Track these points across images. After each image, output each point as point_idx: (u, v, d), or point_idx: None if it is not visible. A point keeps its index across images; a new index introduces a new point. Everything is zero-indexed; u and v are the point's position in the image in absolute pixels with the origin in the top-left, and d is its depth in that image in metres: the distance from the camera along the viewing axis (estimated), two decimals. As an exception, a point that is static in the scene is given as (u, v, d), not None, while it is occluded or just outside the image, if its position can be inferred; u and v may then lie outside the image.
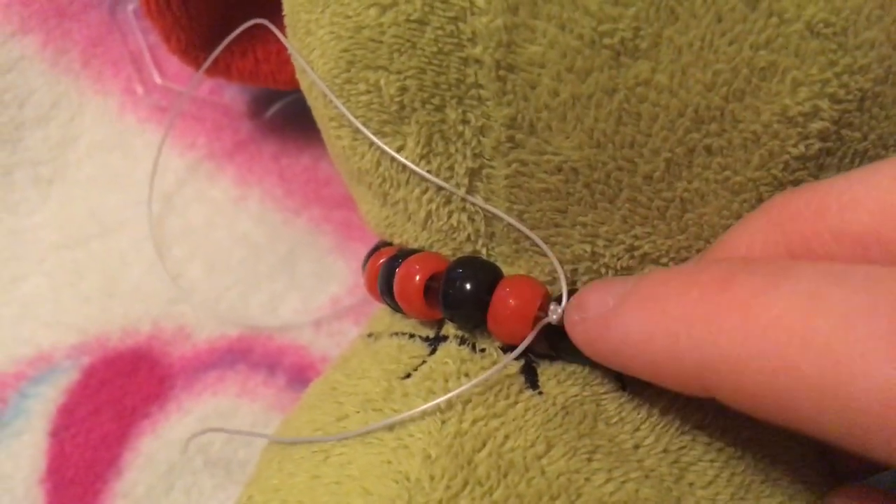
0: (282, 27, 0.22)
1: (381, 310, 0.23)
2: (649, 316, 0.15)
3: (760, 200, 0.18)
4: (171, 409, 0.31)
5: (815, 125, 0.17)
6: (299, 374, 0.33)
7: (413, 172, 0.19)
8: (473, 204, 0.19)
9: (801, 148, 0.17)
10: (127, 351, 0.32)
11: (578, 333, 0.18)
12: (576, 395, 0.19)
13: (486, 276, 0.19)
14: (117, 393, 0.31)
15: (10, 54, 0.32)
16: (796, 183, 0.18)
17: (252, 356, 0.33)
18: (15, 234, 0.32)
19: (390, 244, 0.22)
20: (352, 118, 0.19)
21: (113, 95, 0.33)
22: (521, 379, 0.19)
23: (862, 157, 0.18)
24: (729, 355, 0.14)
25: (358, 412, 0.20)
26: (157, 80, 0.33)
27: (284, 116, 0.35)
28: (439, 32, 0.17)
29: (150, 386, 0.32)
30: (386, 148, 0.19)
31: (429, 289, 0.20)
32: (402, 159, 0.19)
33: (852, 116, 0.17)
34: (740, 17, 0.16)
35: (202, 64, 0.28)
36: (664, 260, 0.19)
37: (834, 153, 0.18)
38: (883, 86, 0.17)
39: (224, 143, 0.34)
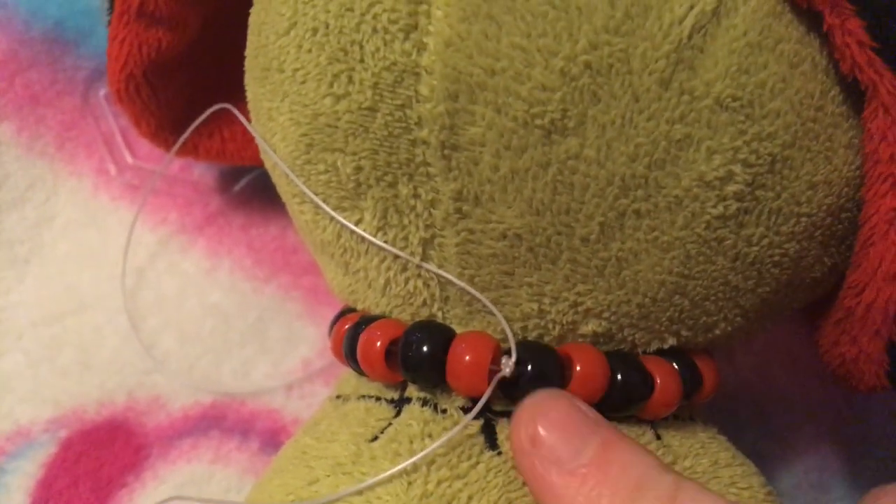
0: (245, 110, 0.24)
1: (348, 372, 0.24)
2: None
3: (689, 256, 0.20)
4: (147, 477, 0.32)
5: (731, 188, 0.19)
6: (272, 438, 0.34)
7: (371, 243, 0.20)
8: (427, 270, 0.20)
9: (721, 208, 0.19)
10: (103, 422, 0.32)
11: (522, 459, 0.19)
12: None
13: (441, 337, 0.20)
14: (94, 464, 0.32)
15: (-14, 140, 0.33)
16: (719, 241, 0.20)
17: (225, 422, 0.33)
18: (-7, 313, 0.33)
19: (354, 310, 0.24)
20: (313, 196, 0.21)
21: (87, 176, 0.35)
22: (482, 438, 0.20)
23: (777, 215, 0.20)
24: None
25: (328, 476, 0.20)
26: (129, 160, 0.35)
27: (252, 189, 0.36)
28: (389, 118, 0.19)
29: (127, 456, 0.32)
30: (344, 222, 0.20)
31: (389, 353, 0.21)
32: (361, 231, 0.20)
33: (765, 178, 0.19)
34: (655, 96, 0.18)
35: (171, 145, 0.30)
36: (606, 314, 0.20)
37: (751, 212, 0.20)
38: (791, 149, 0.19)
39: (194, 217, 0.36)
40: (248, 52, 0.23)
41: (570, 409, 0.19)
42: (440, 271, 0.20)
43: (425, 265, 0.20)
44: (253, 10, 0.23)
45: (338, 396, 0.24)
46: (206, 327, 0.34)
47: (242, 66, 0.24)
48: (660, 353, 0.22)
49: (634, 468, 0.18)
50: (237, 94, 0.25)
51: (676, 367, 0.22)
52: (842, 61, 0.19)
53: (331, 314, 0.33)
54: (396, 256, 0.20)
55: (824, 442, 0.33)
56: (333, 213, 0.20)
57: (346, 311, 0.24)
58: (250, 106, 0.23)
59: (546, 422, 0.19)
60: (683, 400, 0.22)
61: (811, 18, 0.19)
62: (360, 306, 0.23)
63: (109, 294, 0.34)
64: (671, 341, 0.21)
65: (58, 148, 0.35)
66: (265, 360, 0.34)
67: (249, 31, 0.23)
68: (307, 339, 0.35)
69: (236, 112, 0.24)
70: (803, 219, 0.20)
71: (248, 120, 0.24)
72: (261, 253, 0.36)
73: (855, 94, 0.20)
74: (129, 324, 0.33)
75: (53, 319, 0.33)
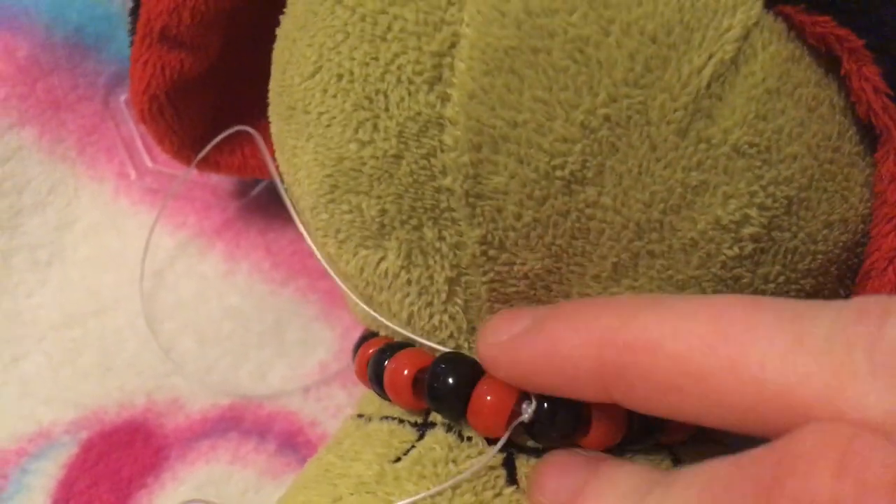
0: (266, 131, 0.24)
1: (371, 393, 0.25)
2: (574, 329, 0.18)
3: (704, 293, 0.20)
4: (166, 478, 0.33)
5: (747, 230, 0.19)
6: (289, 440, 0.34)
7: (394, 282, 0.21)
8: (452, 305, 0.21)
9: (736, 249, 0.20)
10: (123, 424, 0.33)
11: (490, 356, 0.20)
12: None
13: (468, 370, 0.21)
14: (115, 465, 0.32)
15: (8, 145, 0.34)
16: (735, 279, 0.20)
17: (243, 424, 0.34)
18: (15, 316, 0.34)
19: (377, 334, 0.24)
20: (315, 249, 0.21)
21: (107, 180, 0.35)
22: (504, 472, 0.21)
23: (794, 253, 0.20)
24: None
25: (352, 494, 0.21)
26: (149, 164, 0.35)
27: (269, 194, 0.36)
28: (413, 166, 0.19)
29: (146, 457, 0.33)
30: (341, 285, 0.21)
31: (416, 381, 0.21)
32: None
33: (781, 220, 0.20)
34: (672, 145, 0.18)
35: (192, 161, 0.30)
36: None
37: (767, 251, 0.20)
38: (808, 191, 0.20)
39: (213, 221, 0.36)
40: (272, 88, 0.23)
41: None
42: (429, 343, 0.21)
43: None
44: (277, 46, 0.23)
45: (360, 415, 0.24)
46: (224, 330, 0.35)
47: (262, 86, 0.24)
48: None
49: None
50: (257, 113, 0.26)
51: None
52: (858, 105, 0.19)
53: (348, 318, 0.34)
54: (420, 294, 0.21)
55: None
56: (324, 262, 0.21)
57: (368, 336, 0.24)
58: (274, 139, 0.24)
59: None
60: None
61: (830, 61, 0.19)
62: (383, 332, 0.24)
63: (129, 297, 0.34)
64: None
65: (79, 152, 0.35)
66: (282, 362, 0.35)
67: (274, 67, 0.23)
68: (324, 342, 0.35)
69: (257, 137, 0.24)
70: (819, 256, 0.21)
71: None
72: (278, 256, 0.36)
73: (872, 133, 0.20)
74: (148, 326, 0.34)
75: (74, 322, 0.34)
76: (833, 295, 0.22)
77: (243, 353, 0.35)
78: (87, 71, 0.35)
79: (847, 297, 0.22)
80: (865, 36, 0.18)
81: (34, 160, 0.34)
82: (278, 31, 0.23)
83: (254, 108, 0.28)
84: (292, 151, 0.22)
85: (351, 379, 0.35)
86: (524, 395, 0.20)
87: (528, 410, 0.20)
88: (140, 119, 0.28)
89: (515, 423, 0.20)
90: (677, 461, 0.22)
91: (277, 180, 0.24)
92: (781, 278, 0.20)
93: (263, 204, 0.37)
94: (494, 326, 0.20)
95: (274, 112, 0.23)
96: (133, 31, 0.26)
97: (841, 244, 0.21)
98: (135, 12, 0.26)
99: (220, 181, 0.36)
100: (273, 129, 0.23)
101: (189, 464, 0.33)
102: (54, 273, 0.35)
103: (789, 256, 0.20)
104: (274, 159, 0.24)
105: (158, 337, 0.34)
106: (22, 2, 0.34)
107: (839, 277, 0.22)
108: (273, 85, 0.23)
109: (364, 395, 0.26)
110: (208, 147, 0.28)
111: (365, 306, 0.22)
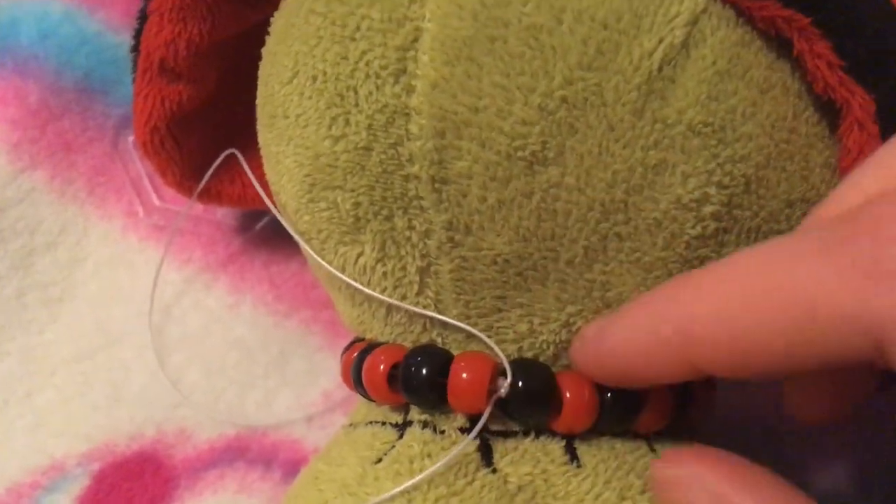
0: (259, 155, 0.26)
1: (360, 402, 0.26)
2: (639, 316, 0.19)
3: (670, 275, 0.21)
4: (175, 508, 0.33)
5: (708, 209, 0.20)
6: (294, 468, 0.34)
7: (371, 276, 0.22)
8: (424, 298, 0.22)
9: (699, 229, 0.20)
10: (133, 455, 0.33)
11: (579, 357, 0.21)
12: (527, 473, 0.21)
13: (440, 360, 0.21)
14: (125, 496, 0.33)
15: (21, 187, 0.35)
16: (701, 259, 0.21)
17: (249, 453, 0.34)
18: (28, 352, 0.35)
19: (362, 340, 0.25)
20: (301, 241, 0.22)
21: (116, 218, 0.37)
22: (478, 457, 0.21)
23: (756, 233, 0.21)
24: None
25: (336, 497, 0.22)
26: (156, 202, 0.37)
27: (272, 228, 0.37)
28: (383, 156, 0.20)
29: (156, 487, 0.33)
30: (329, 268, 0.22)
31: (392, 377, 0.22)
32: (343, 276, 0.22)
33: (741, 198, 0.20)
34: (629, 125, 0.19)
35: (195, 191, 0.31)
36: (597, 333, 0.21)
37: (730, 231, 0.21)
38: (765, 170, 0.20)
39: (218, 256, 0.37)
40: (258, 102, 0.24)
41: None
42: (416, 309, 0.21)
43: (404, 305, 0.22)
44: (261, 64, 0.24)
45: (350, 425, 0.25)
46: (230, 361, 0.35)
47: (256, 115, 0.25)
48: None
49: None
50: (253, 142, 0.27)
51: None
52: (814, 83, 0.20)
53: (351, 348, 0.35)
54: (395, 286, 0.22)
55: (838, 466, 0.33)
56: (315, 255, 0.22)
57: (354, 342, 0.25)
58: (262, 151, 0.25)
59: None
60: (678, 412, 0.22)
61: (781, 45, 0.20)
62: (368, 336, 0.24)
63: (138, 331, 0.35)
64: None
65: (88, 193, 0.37)
66: (287, 392, 0.35)
67: (259, 83, 0.24)
68: (327, 372, 0.36)
69: (240, 158, 0.26)
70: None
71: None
72: (282, 288, 0.37)
73: (830, 115, 0.21)
74: (156, 359, 0.35)
75: (84, 356, 0.35)
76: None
77: (249, 384, 0.35)
78: (96, 114, 0.37)
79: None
80: (811, 14, 0.19)
81: (45, 201, 0.36)
82: (263, 50, 0.24)
83: (251, 138, 0.29)
84: (276, 158, 0.23)
85: (354, 406, 0.36)
86: (500, 371, 0.21)
87: (504, 385, 0.20)
88: (143, 152, 0.29)
89: (494, 398, 0.20)
90: (653, 450, 0.22)
91: (263, 195, 0.25)
92: None
93: (266, 238, 0.38)
94: (581, 332, 0.21)
95: (260, 123, 0.24)
96: (135, 67, 0.28)
97: None
98: (135, 48, 0.28)
99: (224, 216, 0.38)
100: (260, 141, 0.25)
101: (197, 493, 0.33)
102: (65, 309, 0.36)
103: (752, 236, 0.21)
104: (259, 181, 0.25)
105: (166, 369, 0.35)
106: (32, 48, 0.36)
107: None
108: (258, 100, 0.24)
109: (355, 408, 0.26)
110: (207, 176, 0.30)
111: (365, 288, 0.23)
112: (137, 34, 0.27)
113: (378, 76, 0.20)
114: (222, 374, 0.35)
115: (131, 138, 0.37)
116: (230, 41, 0.29)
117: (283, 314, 0.37)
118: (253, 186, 0.31)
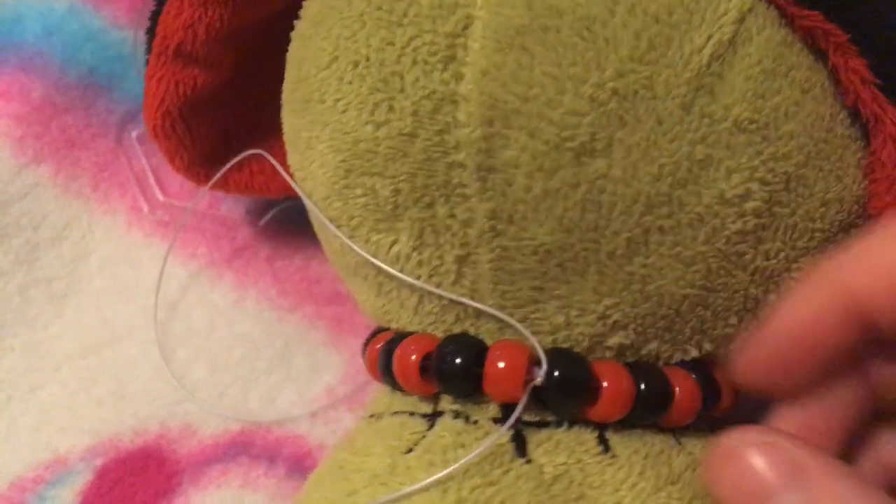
0: (275, 148, 0.25)
1: (380, 392, 0.25)
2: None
3: (710, 270, 0.21)
4: (178, 503, 0.33)
5: (749, 205, 0.20)
6: (297, 464, 0.34)
7: (405, 265, 0.22)
8: (461, 287, 0.21)
9: (740, 224, 0.20)
10: (137, 450, 0.33)
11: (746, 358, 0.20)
12: (562, 463, 0.21)
13: (474, 349, 0.21)
14: (129, 491, 0.32)
15: (25, 182, 0.35)
16: (738, 255, 0.21)
17: (253, 449, 0.34)
18: (32, 347, 0.34)
19: (387, 329, 0.25)
20: (335, 230, 0.22)
21: (120, 214, 0.36)
22: (512, 447, 0.21)
23: (793, 230, 0.21)
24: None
25: (366, 487, 0.21)
26: (160, 197, 0.36)
27: (277, 223, 0.37)
28: (427, 143, 0.20)
29: (160, 482, 0.33)
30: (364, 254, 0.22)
31: (424, 367, 0.22)
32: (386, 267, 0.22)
33: (780, 196, 0.20)
34: (678, 119, 0.19)
35: (203, 179, 0.31)
36: (632, 326, 0.21)
37: (769, 227, 0.21)
38: (804, 169, 0.21)
39: (222, 251, 0.37)
40: (286, 87, 0.24)
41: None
42: (452, 295, 0.21)
43: (447, 294, 0.21)
44: (292, 47, 0.24)
45: (371, 416, 0.25)
46: (234, 356, 0.35)
47: (272, 104, 0.25)
48: (681, 364, 0.23)
49: None
50: (267, 132, 0.27)
51: (696, 378, 0.22)
52: (845, 95, 0.21)
53: (354, 343, 0.35)
54: (430, 275, 0.22)
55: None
56: (354, 246, 0.22)
57: (378, 332, 0.25)
58: (286, 137, 0.25)
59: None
60: (703, 411, 0.22)
61: (819, 50, 0.21)
62: (393, 325, 0.24)
63: (142, 326, 0.35)
64: (693, 353, 0.22)
65: (93, 188, 0.36)
66: (291, 387, 0.35)
67: (288, 67, 0.24)
68: (331, 367, 0.36)
69: (270, 158, 0.25)
70: (817, 234, 0.21)
71: (283, 154, 0.25)
72: (286, 284, 0.37)
73: (860, 119, 0.21)
74: (160, 355, 0.34)
75: (89, 352, 0.34)
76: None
77: (253, 379, 0.35)
78: (100, 109, 0.37)
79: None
80: (850, 31, 0.20)
81: (50, 196, 0.35)
82: (293, 34, 0.24)
83: (263, 127, 0.29)
84: (307, 144, 0.23)
85: (358, 402, 0.36)
86: (535, 360, 0.21)
87: (539, 374, 0.20)
88: (153, 135, 0.29)
89: (530, 386, 0.20)
90: (680, 443, 0.22)
91: (295, 186, 0.25)
92: (782, 255, 0.21)
93: (271, 233, 0.37)
94: (736, 346, 0.21)
95: (287, 109, 0.24)
96: (149, 49, 0.27)
97: (837, 223, 0.22)
98: (151, 30, 0.27)
99: (229, 212, 0.37)
100: (286, 127, 0.24)
101: (201, 489, 0.33)
102: (70, 305, 0.35)
103: (789, 233, 0.21)
104: (288, 175, 0.25)
105: (171, 365, 0.34)
106: (37, 44, 0.36)
107: None
108: (287, 84, 0.24)
109: (374, 398, 0.26)
110: (223, 170, 0.29)
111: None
112: (155, 15, 0.27)
113: (426, 62, 0.20)
114: (227, 369, 0.35)
115: (135, 134, 0.37)
116: (247, 28, 0.28)
117: (287, 309, 0.37)
118: (261, 175, 0.31)
